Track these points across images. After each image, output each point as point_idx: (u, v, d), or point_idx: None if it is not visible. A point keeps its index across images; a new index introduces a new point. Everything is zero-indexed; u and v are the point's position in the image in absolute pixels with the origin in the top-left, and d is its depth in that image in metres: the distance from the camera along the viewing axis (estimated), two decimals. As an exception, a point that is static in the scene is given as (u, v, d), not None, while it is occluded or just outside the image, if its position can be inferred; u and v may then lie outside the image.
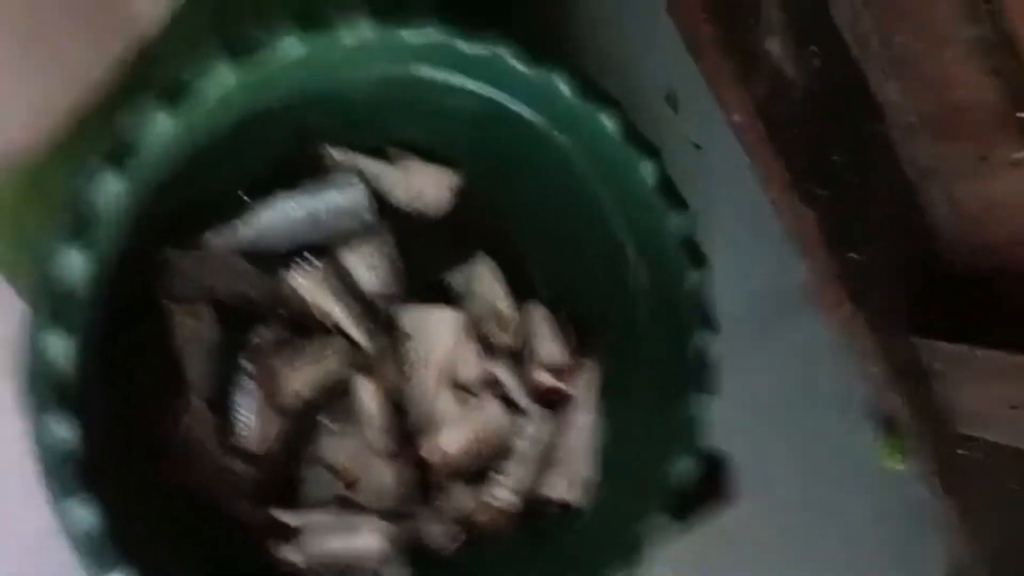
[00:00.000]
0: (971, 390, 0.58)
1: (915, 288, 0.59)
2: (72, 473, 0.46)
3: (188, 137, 0.51)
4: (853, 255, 0.57)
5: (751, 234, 0.77)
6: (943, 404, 0.61)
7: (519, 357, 0.69)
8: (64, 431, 0.46)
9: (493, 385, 0.68)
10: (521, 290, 0.70)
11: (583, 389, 0.68)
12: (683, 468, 0.65)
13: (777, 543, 0.89)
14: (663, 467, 0.65)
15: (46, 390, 0.46)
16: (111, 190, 0.47)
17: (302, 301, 0.61)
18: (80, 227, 0.46)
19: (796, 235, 0.57)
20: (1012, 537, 0.66)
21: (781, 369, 0.85)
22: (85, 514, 0.47)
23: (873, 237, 0.58)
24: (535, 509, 0.67)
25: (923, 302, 0.59)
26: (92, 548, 0.47)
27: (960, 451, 0.63)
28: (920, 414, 0.62)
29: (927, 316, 0.59)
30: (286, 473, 0.62)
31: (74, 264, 0.46)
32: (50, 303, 0.46)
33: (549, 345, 0.68)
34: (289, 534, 0.60)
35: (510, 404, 0.68)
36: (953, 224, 0.56)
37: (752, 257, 0.80)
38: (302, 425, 0.63)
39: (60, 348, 0.46)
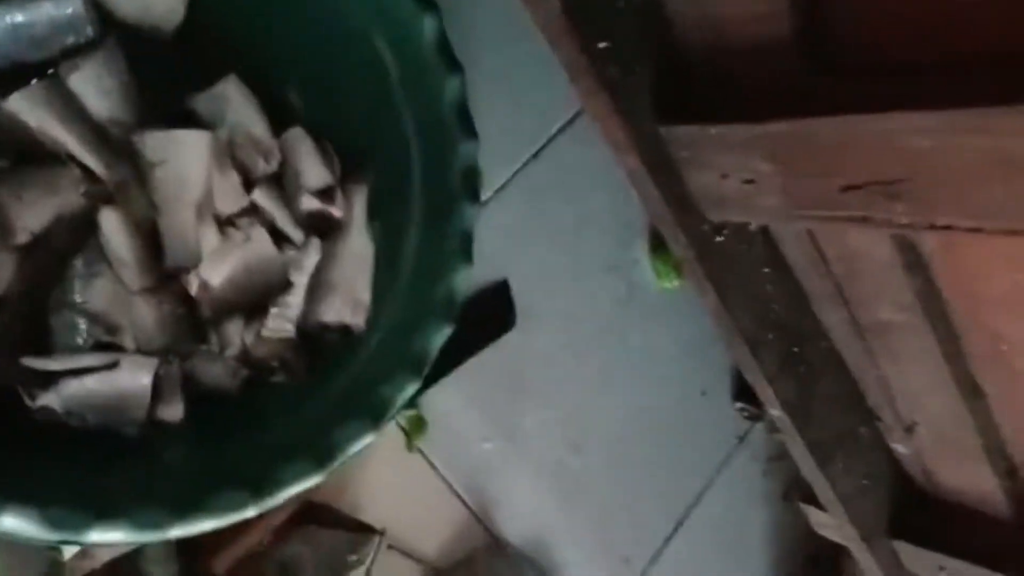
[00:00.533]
0: (711, 172, 0.62)
1: (660, 76, 0.62)
2: None
3: None
4: (602, 44, 0.59)
5: (519, 51, 0.78)
6: (692, 192, 0.65)
7: (282, 186, 0.66)
8: None
9: (256, 215, 0.65)
10: (281, 117, 0.67)
11: (353, 212, 0.67)
12: (460, 279, 0.66)
13: (561, 369, 0.93)
14: (440, 281, 0.66)
15: None
16: None
17: (25, 127, 0.55)
18: None
19: (545, 28, 0.58)
20: (768, 323, 0.72)
21: (554, 190, 0.88)
22: None
23: (619, 25, 0.59)
24: (315, 336, 0.66)
25: (666, 89, 0.62)
26: None
27: (716, 239, 0.68)
28: (673, 205, 0.65)
29: (671, 103, 0.62)
30: (34, 321, 0.57)
31: None
32: None
33: (314, 170, 0.66)
34: (44, 382, 0.55)
35: (278, 234, 0.65)
36: (685, 8, 0.59)
37: (522, 74, 0.81)
38: (45, 267, 0.57)
39: None
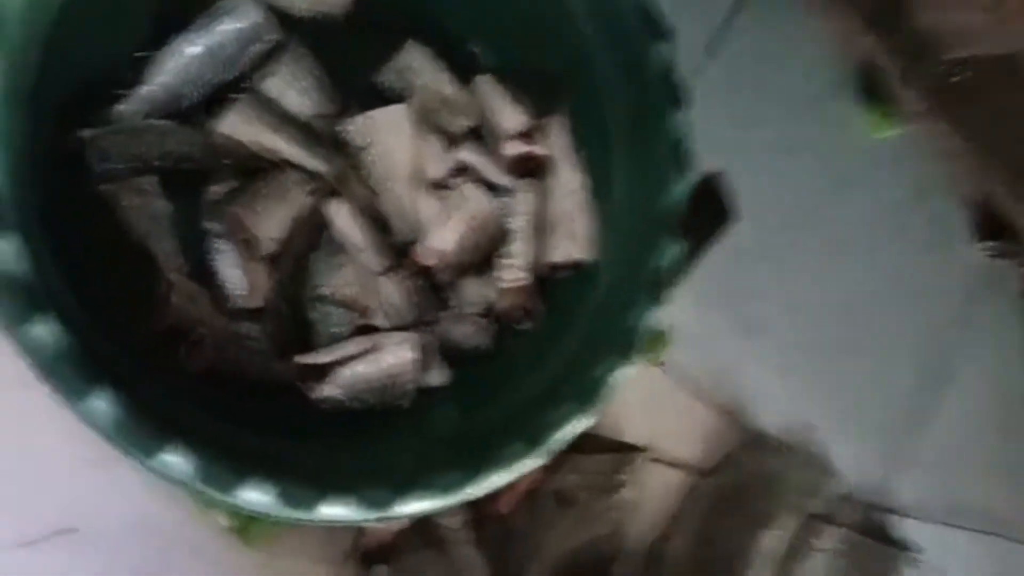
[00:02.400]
0: (948, 6, 0.55)
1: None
2: (78, 365, 0.45)
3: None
4: None
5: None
6: (925, 34, 0.58)
7: (482, 138, 0.66)
8: (46, 331, 0.44)
9: (465, 173, 0.65)
10: (464, 70, 0.66)
11: (556, 147, 0.66)
12: (679, 190, 0.64)
13: (787, 249, 0.88)
14: (660, 195, 0.63)
15: (9, 297, 0.43)
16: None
17: (239, 144, 0.57)
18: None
19: None
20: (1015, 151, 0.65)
21: (748, 68, 0.82)
22: (104, 404, 0.45)
23: None
24: (549, 278, 0.66)
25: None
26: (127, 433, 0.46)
27: (951, 79, 0.61)
28: (904, 51, 0.59)
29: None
30: (295, 321, 0.60)
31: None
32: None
33: (508, 114, 0.65)
34: (320, 375, 0.58)
35: (490, 187, 0.65)
36: None
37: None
38: (292, 270, 0.60)
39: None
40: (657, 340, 0.80)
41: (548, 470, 0.75)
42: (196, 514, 0.64)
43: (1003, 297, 1.01)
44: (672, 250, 0.62)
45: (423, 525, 0.70)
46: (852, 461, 0.92)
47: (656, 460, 0.82)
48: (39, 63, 0.48)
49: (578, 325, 0.64)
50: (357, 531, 0.68)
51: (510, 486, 0.70)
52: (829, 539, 0.88)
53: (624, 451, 0.78)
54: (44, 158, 0.50)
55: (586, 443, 0.78)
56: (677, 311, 0.81)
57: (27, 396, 0.58)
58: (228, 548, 0.64)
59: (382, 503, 0.53)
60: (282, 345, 0.59)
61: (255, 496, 0.49)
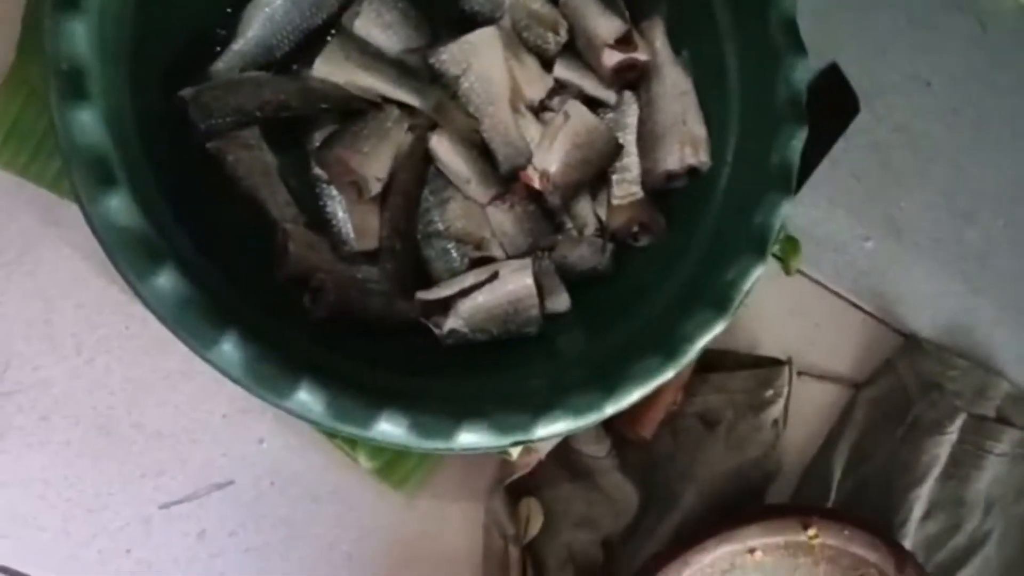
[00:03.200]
0: None
1: None
2: (204, 313, 0.46)
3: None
4: None
5: None
6: None
7: (578, 52, 0.63)
8: (169, 282, 0.45)
9: (565, 90, 0.62)
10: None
11: (657, 50, 0.62)
12: (796, 74, 0.59)
13: (921, 132, 0.82)
14: (775, 81, 0.59)
15: (89, 167, 0.45)
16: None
17: (334, 87, 0.57)
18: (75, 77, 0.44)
19: None
20: None
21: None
22: (233, 348, 0.46)
23: None
24: (665, 189, 0.63)
25: None
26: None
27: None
28: None
29: None
30: (413, 259, 0.60)
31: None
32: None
33: (603, 22, 0.62)
34: (443, 309, 0.58)
35: (592, 101, 0.63)
36: None
37: None
38: (402, 208, 0.60)
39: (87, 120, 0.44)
40: (789, 246, 0.76)
41: (689, 392, 0.73)
42: (340, 461, 0.65)
43: None
44: (797, 138, 0.58)
45: (568, 456, 0.69)
46: (1021, 360, 0.85)
47: (803, 374, 0.77)
48: (135, 21, 0.49)
49: (702, 231, 0.61)
50: (499, 466, 0.68)
51: (650, 409, 0.69)
52: (1008, 442, 0.82)
53: (767, 366, 0.74)
54: (151, 118, 0.51)
55: (726, 361, 0.75)
56: (804, 215, 0.76)
57: (165, 360, 0.62)
58: (372, 492, 0.65)
59: (520, 427, 0.52)
60: (402, 284, 0.59)
61: (390, 428, 0.49)
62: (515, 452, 0.63)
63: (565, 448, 0.69)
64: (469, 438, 0.50)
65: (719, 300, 0.56)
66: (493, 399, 0.53)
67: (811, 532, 0.70)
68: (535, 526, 0.69)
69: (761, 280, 0.72)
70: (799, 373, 0.77)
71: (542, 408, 0.52)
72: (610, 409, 0.54)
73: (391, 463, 0.64)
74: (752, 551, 0.71)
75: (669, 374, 0.55)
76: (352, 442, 0.62)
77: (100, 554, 0.62)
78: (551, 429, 0.52)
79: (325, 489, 0.65)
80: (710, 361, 0.74)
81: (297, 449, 0.65)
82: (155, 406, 0.62)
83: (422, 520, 0.68)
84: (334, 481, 0.65)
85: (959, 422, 0.78)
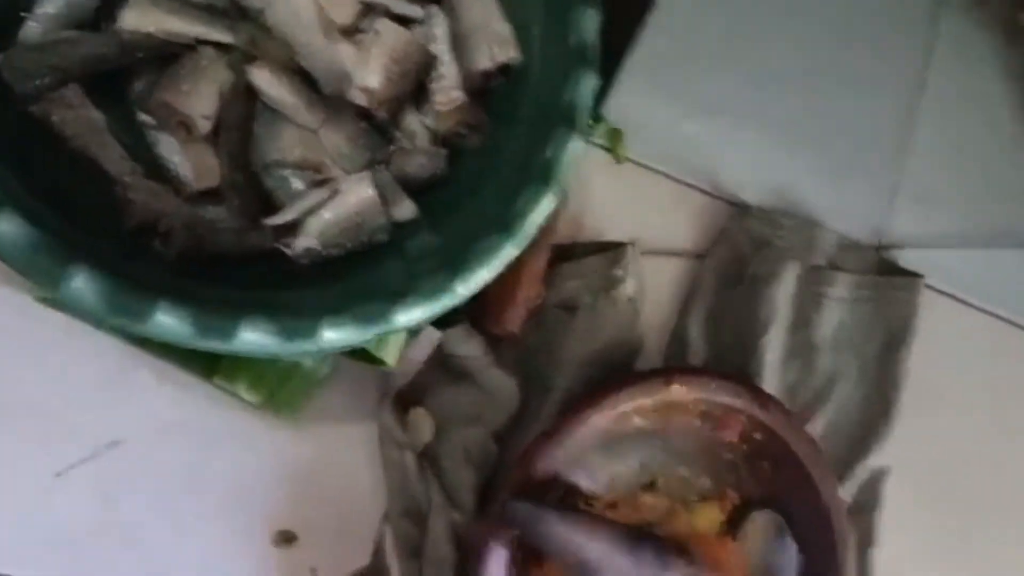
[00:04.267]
0: None
1: None
2: (51, 252, 0.47)
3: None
4: None
5: None
6: None
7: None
8: (12, 226, 0.47)
9: (372, 11, 0.66)
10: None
11: (453, -39, 0.66)
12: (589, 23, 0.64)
13: (722, 10, 0.88)
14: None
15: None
16: None
17: (147, 36, 0.59)
18: None
19: None
20: None
21: None
22: (85, 282, 0.48)
23: None
24: (484, 88, 0.67)
25: None
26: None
27: None
28: None
29: None
30: (256, 192, 0.63)
31: None
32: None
33: (397, -58, 0.65)
34: (293, 231, 0.61)
35: (400, 19, 0.66)
36: None
37: None
38: (235, 142, 0.62)
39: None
40: (614, 136, 0.82)
41: (547, 285, 0.78)
42: (225, 402, 0.67)
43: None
44: (589, 17, 0.64)
45: (446, 363, 0.73)
46: (845, 212, 0.93)
47: (649, 252, 0.83)
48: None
49: (522, 118, 0.65)
50: (381, 380, 0.71)
51: (511, 304, 0.74)
52: (843, 286, 0.90)
53: (613, 249, 0.80)
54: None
55: (576, 251, 0.80)
56: (623, 105, 0.82)
57: (41, 326, 0.62)
58: (263, 426, 0.68)
59: (380, 317, 0.55)
60: (250, 216, 0.61)
61: (254, 337, 0.52)
62: (391, 360, 0.67)
63: (441, 355, 0.73)
64: (332, 335, 0.54)
65: (544, 175, 0.61)
66: (352, 297, 0.56)
67: (677, 389, 0.76)
68: (426, 432, 0.73)
69: (596, 172, 0.78)
70: (645, 252, 0.83)
71: (398, 297, 0.56)
72: (461, 289, 0.58)
73: (274, 393, 0.66)
74: (627, 417, 0.77)
75: (512, 251, 0.60)
76: (232, 378, 0.65)
77: (8, 529, 0.62)
78: (410, 316, 0.56)
79: (216, 432, 0.67)
80: (561, 254, 0.79)
81: (181, 399, 0.67)
82: (34, 378, 0.63)
83: (317, 446, 0.71)
84: (223, 422, 0.68)
85: (792, 270, 0.86)
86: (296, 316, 0.53)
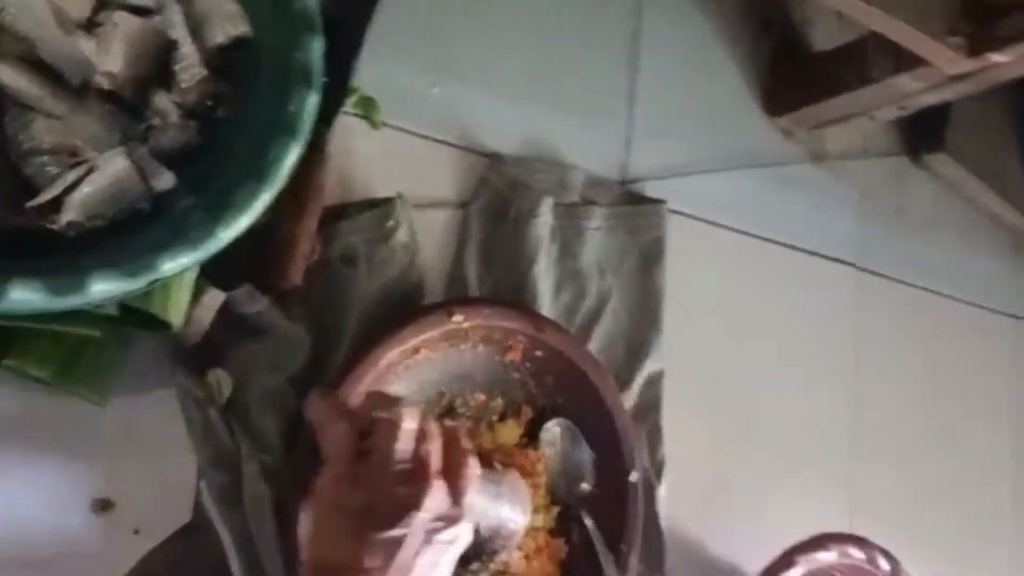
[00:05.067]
0: None
1: None
2: None
3: None
4: None
5: None
6: None
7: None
8: None
9: (108, 5, 0.71)
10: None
11: (177, -49, 0.73)
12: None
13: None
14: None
15: None
16: None
17: None
18: None
19: None
20: None
21: None
22: None
23: None
24: (224, 63, 0.74)
25: None
26: None
27: None
28: None
29: None
30: (15, 179, 0.66)
31: None
32: None
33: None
34: (55, 208, 0.65)
35: (137, 9, 0.72)
36: None
37: None
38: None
39: None
40: (367, 104, 0.90)
41: (325, 242, 0.85)
42: (17, 385, 0.70)
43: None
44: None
45: (237, 323, 0.79)
46: (590, 153, 1.05)
47: (418, 206, 0.92)
48: None
49: (264, 83, 0.72)
50: (173, 344, 0.76)
51: (291, 260, 0.80)
52: (597, 218, 1.02)
53: (383, 204, 0.88)
54: None
55: (350, 210, 0.88)
56: (372, 73, 0.90)
57: None
58: (63, 407, 0.71)
59: (148, 266, 0.61)
60: (11, 204, 0.65)
61: (23, 295, 0.56)
62: (176, 322, 0.72)
63: (231, 316, 0.78)
64: (101, 286, 0.59)
65: (289, 128, 0.68)
66: (121, 253, 0.61)
67: (457, 318, 0.85)
68: (226, 390, 0.78)
69: (357, 138, 0.86)
70: (414, 205, 0.91)
71: (164, 246, 0.62)
72: (223, 233, 0.64)
73: (67, 368, 0.70)
74: (417, 350, 0.85)
75: (266, 195, 0.66)
76: (23, 359, 0.68)
77: None
78: (176, 262, 0.62)
79: (16, 418, 0.70)
80: (336, 214, 0.87)
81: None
82: None
83: (121, 418, 0.74)
84: (21, 408, 0.70)
85: (548, 205, 0.97)
86: (64, 271, 0.57)
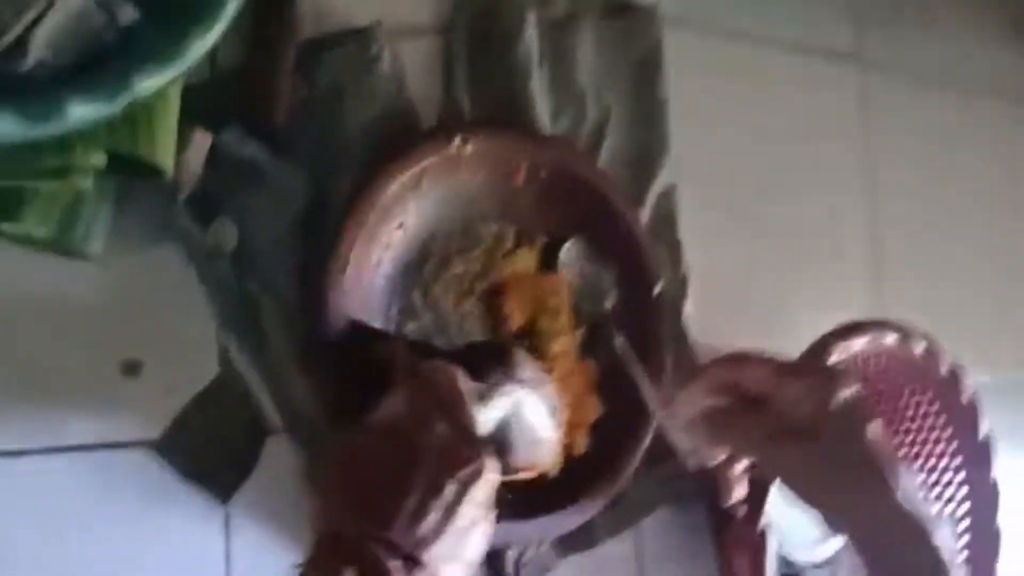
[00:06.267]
0: None
1: None
2: None
3: None
4: None
5: None
6: None
7: None
8: None
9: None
10: None
11: None
12: None
13: None
14: None
15: None
16: None
17: None
18: None
19: None
20: None
21: None
22: None
23: None
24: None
25: None
26: None
27: None
28: None
29: None
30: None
31: None
32: None
33: None
34: (20, 51, 0.62)
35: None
36: None
37: None
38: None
39: None
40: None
41: (307, 76, 0.81)
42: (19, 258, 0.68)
43: None
44: None
45: (234, 168, 0.76)
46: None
47: (396, 33, 0.87)
48: None
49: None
50: (173, 195, 0.73)
51: (274, 97, 0.77)
52: (587, 31, 0.96)
53: (362, 33, 0.84)
54: None
55: (326, 42, 0.83)
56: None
57: None
58: (69, 270, 0.70)
59: (123, 86, 0.58)
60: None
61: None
62: (167, 166, 0.69)
63: (225, 164, 0.75)
64: (78, 108, 0.56)
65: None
66: (93, 78, 0.58)
67: (457, 142, 0.82)
68: (231, 239, 0.76)
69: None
70: (393, 34, 0.87)
71: (136, 66, 0.58)
72: (196, 44, 0.61)
73: (62, 224, 0.67)
74: (419, 182, 0.82)
75: (233, 5, 0.63)
76: (20, 218, 0.65)
77: None
78: (151, 81, 0.59)
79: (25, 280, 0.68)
80: (315, 46, 0.82)
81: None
82: None
83: (132, 280, 0.73)
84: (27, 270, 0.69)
85: (531, 22, 0.91)
86: (39, 100, 0.55)
